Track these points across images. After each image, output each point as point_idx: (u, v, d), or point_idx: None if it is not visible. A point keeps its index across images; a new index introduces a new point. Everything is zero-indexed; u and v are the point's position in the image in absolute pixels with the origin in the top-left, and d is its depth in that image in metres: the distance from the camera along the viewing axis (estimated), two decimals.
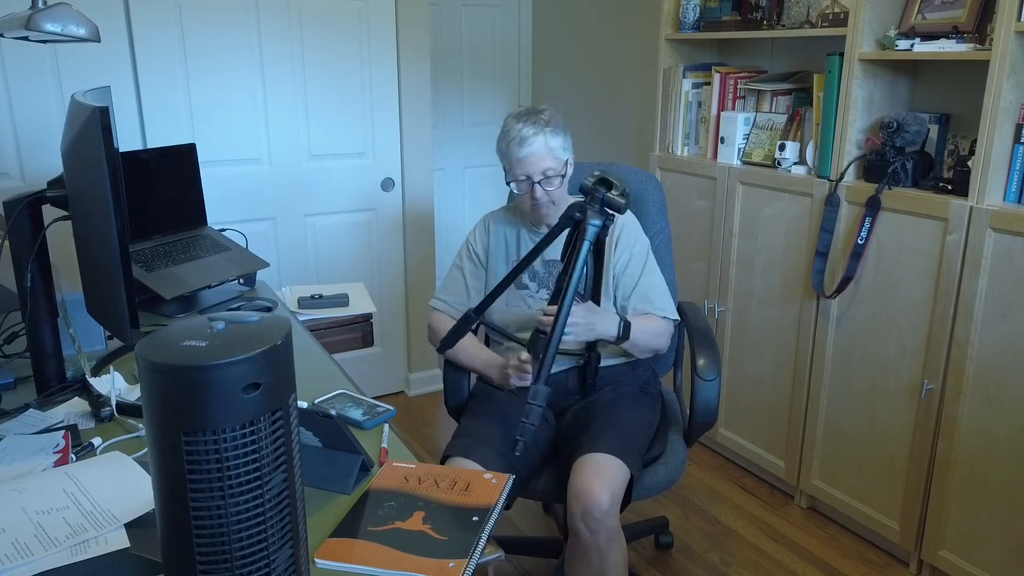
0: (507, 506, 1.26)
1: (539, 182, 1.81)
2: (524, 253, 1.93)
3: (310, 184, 3.08)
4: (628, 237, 1.91)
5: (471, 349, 1.96)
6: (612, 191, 1.60)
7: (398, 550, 1.04)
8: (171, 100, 2.76)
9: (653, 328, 1.87)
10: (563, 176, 1.84)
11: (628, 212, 1.96)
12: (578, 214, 1.60)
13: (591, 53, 3.76)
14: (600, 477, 1.61)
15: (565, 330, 1.62)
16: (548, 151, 1.80)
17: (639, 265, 1.90)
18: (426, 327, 3.43)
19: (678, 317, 1.96)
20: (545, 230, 1.92)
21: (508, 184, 1.86)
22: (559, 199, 1.86)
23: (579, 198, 1.97)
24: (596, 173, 1.63)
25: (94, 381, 1.49)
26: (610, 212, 1.61)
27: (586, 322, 1.75)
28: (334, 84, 3.03)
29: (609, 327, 1.79)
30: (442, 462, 1.74)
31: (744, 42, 2.91)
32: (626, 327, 1.80)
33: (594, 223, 1.58)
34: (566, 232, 1.85)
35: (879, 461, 2.31)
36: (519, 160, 1.80)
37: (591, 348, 1.86)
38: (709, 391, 1.87)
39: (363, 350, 2.60)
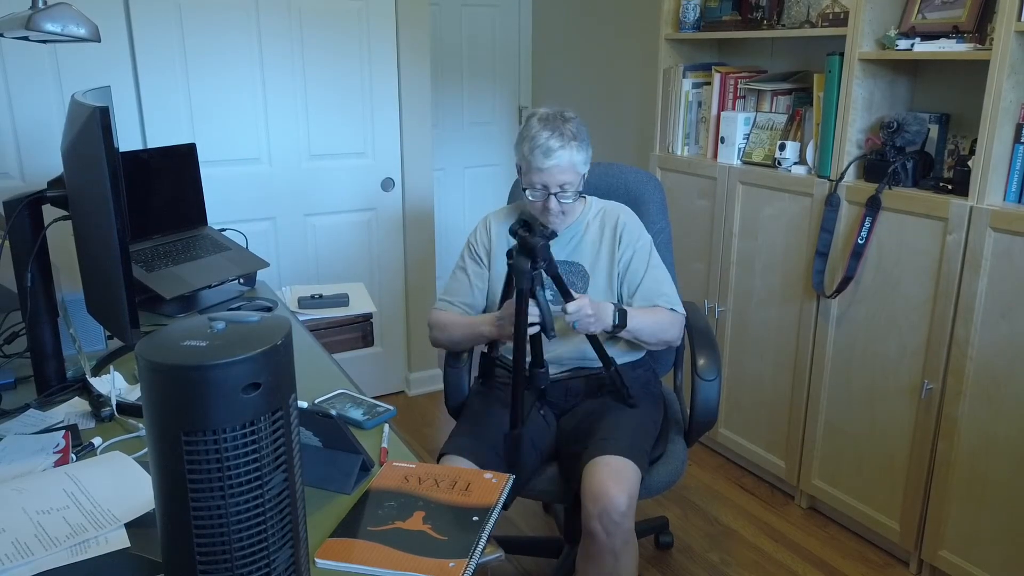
0: (505, 506, 1.27)
1: (555, 194, 1.79)
2: None
3: (310, 184, 3.08)
4: (630, 235, 1.91)
5: (456, 323, 1.93)
6: (529, 233, 1.58)
7: (398, 550, 1.04)
8: (171, 100, 2.76)
9: (658, 319, 1.86)
10: (578, 190, 1.83)
11: (628, 210, 1.96)
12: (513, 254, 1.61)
13: (591, 53, 3.77)
14: (617, 479, 1.61)
15: (578, 324, 1.70)
16: (570, 165, 1.78)
17: (643, 261, 1.90)
18: (425, 326, 3.44)
19: (684, 311, 1.96)
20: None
21: (523, 191, 1.85)
22: (569, 210, 1.86)
23: (581, 200, 1.98)
24: (521, 219, 1.61)
25: (94, 381, 1.49)
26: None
27: (595, 312, 1.73)
28: (334, 84, 3.03)
29: (606, 317, 1.77)
30: (438, 460, 1.74)
31: (744, 42, 2.91)
32: (622, 315, 1.78)
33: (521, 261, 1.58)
34: (574, 234, 1.90)
35: (879, 461, 2.31)
36: (539, 170, 1.77)
37: (605, 363, 1.82)
38: (709, 391, 1.87)
39: (363, 350, 2.60)
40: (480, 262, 1.97)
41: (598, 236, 1.92)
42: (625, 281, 1.90)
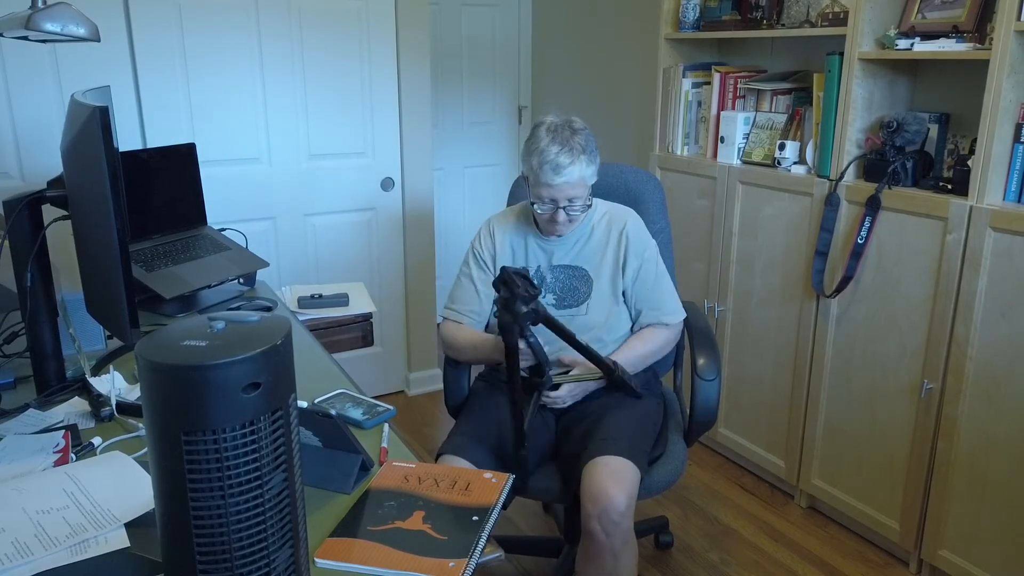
0: (504, 505, 1.27)
1: (563, 207, 1.79)
2: (531, 257, 1.93)
3: (310, 184, 3.08)
4: (637, 244, 1.91)
5: (466, 345, 1.94)
6: (515, 297, 1.50)
7: (398, 550, 1.04)
8: (171, 100, 2.76)
9: (650, 348, 1.92)
10: (587, 203, 1.83)
11: (634, 214, 1.96)
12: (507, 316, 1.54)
13: (591, 53, 3.77)
14: (616, 479, 1.62)
15: (566, 399, 1.83)
16: (580, 180, 1.77)
17: (651, 272, 1.91)
18: (425, 326, 3.46)
19: (684, 314, 1.98)
20: (555, 239, 1.91)
21: (531, 204, 1.84)
22: (576, 219, 1.86)
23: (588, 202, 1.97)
24: (503, 275, 1.51)
25: (94, 381, 1.49)
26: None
27: (580, 389, 1.85)
28: (334, 84, 3.03)
29: (590, 386, 1.87)
30: (436, 460, 1.74)
31: (744, 42, 2.91)
32: (610, 371, 1.79)
33: (500, 316, 1.54)
34: (579, 238, 1.90)
35: (879, 461, 2.31)
36: (548, 185, 1.76)
37: (607, 371, 1.80)
38: (709, 391, 1.88)
39: (363, 350, 2.60)
40: (485, 268, 1.96)
41: (603, 241, 1.92)
42: (632, 292, 1.91)
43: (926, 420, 2.15)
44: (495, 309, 1.78)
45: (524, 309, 1.50)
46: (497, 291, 1.53)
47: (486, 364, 1.99)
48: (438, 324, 3.50)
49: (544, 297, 1.91)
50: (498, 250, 1.95)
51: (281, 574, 0.86)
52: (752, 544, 2.42)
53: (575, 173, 1.75)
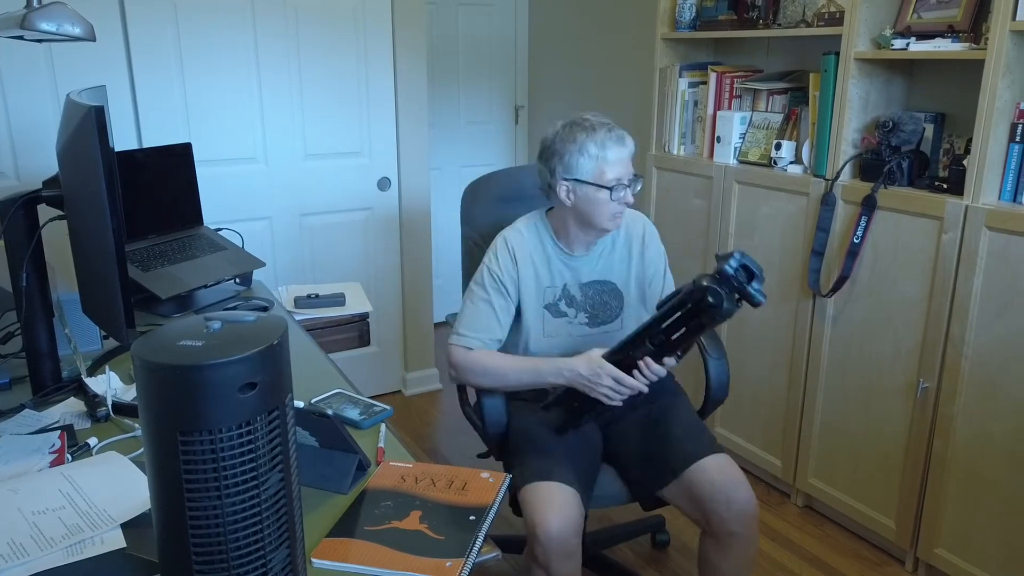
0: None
1: (628, 185, 1.71)
2: (556, 276, 1.82)
3: (306, 183, 3.08)
4: (654, 241, 1.90)
5: (510, 367, 1.77)
6: (753, 283, 1.47)
7: (395, 549, 1.04)
8: (167, 99, 2.75)
9: None
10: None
11: (644, 217, 1.93)
12: (710, 299, 1.47)
13: (587, 52, 3.77)
14: (736, 478, 1.65)
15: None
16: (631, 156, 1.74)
17: (664, 266, 1.93)
18: (422, 326, 3.45)
19: None
20: (581, 251, 1.82)
21: (596, 199, 1.69)
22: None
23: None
24: (736, 257, 1.45)
25: (90, 381, 1.49)
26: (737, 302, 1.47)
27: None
28: (330, 83, 3.03)
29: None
30: (516, 492, 1.64)
31: (740, 41, 2.91)
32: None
33: (726, 307, 1.47)
34: (602, 251, 1.83)
35: (875, 459, 2.32)
36: (619, 160, 1.68)
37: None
38: (720, 368, 1.96)
39: (360, 349, 2.60)
40: (507, 296, 1.80)
41: (626, 251, 1.86)
42: (654, 286, 1.89)
43: (922, 419, 2.16)
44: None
45: (734, 309, 1.45)
46: (721, 263, 1.44)
47: (531, 387, 1.80)
48: (435, 324, 3.52)
49: (576, 316, 1.84)
50: (521, 274, 1.80)
51: (278, 574, 0.86)
52: None
53: (632, 145, 1.73)
